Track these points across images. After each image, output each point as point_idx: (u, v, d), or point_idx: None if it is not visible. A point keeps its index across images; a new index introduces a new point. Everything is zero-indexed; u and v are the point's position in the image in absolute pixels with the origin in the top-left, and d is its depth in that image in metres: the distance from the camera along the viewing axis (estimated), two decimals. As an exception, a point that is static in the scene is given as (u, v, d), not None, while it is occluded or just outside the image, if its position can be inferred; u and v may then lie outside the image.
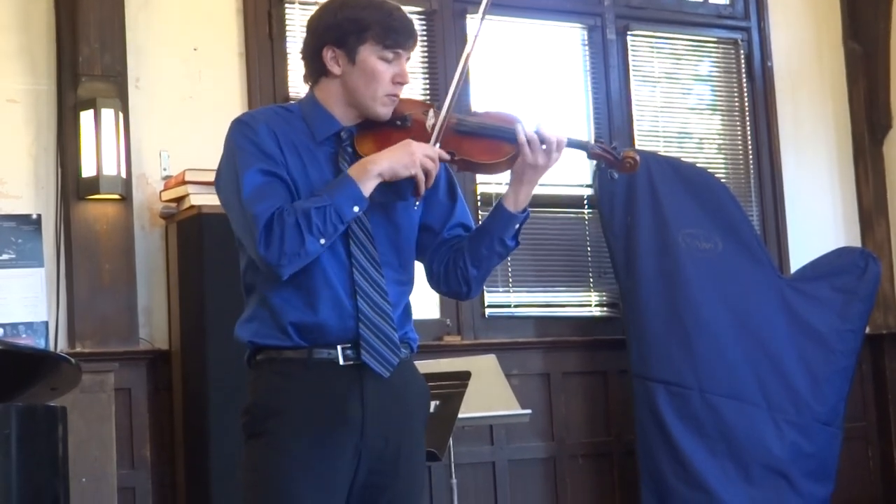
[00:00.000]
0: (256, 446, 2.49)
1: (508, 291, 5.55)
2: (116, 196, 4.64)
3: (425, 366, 3.21)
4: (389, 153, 2.48)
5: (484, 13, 2.61)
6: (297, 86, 5.05)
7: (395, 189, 2.54)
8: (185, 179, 4.54)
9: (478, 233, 2.63)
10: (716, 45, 6.20)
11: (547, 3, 5.77)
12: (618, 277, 5.46)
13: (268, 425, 2.47)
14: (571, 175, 5.68)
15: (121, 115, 4.65)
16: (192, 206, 4.51)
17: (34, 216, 4.60)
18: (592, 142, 2.64)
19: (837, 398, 5.48)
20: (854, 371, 5.61)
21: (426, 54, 5.42)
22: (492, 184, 5.40)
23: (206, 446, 4.38)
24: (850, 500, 5.91)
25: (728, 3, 6.22)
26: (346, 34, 2.52)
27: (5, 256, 4.49)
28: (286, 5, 5.15)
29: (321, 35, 2.55)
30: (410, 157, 2.47)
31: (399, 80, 2.54)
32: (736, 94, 6.17)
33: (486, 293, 5.45)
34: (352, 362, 2.48)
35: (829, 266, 5.67)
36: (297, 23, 5.11)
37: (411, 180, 2.50)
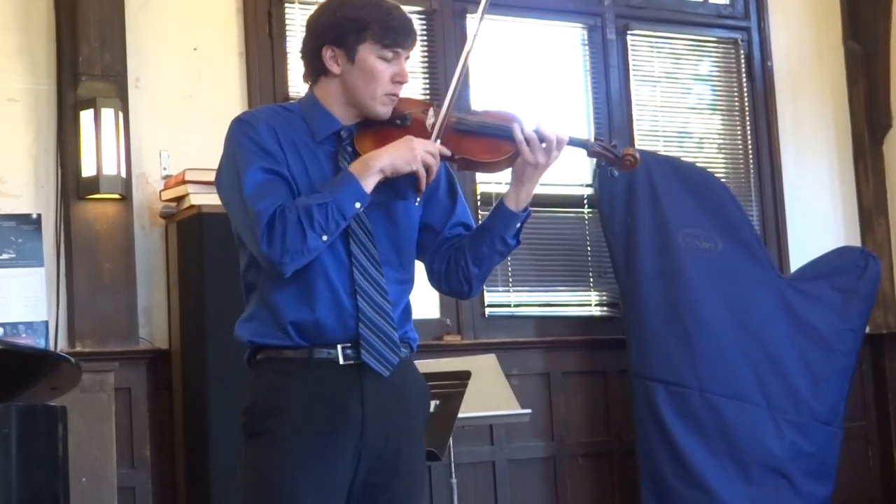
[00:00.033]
0: (256, 445, 2.49)
1: (508, 291, 5.55)
2: (116, 196, 4.64)
3: (425, 365, 3.20)
4: (390, 149, 2.48)
5: (483, 12, 2.61)
6: (298, 85, 5.04)
7: (395, 188, 2.54)
8: (185, 179, 4.54)
9: (479, 232, 2.63)
10: (716, 45, 6.20)
11: (547, 2, 5.76)
12: (618, 277, 5.46)
13: (268, 425, 2.47)
14: (571, 175, 5.68)
15: (121, 114, 4.65)
16: (192, 206, 4.51)
17: (34, 216, 4.60)
18: (592, 140, 2.65)
19: (837, 398, 5.48)
20: (854, 370, 5.61)
21: (426, 54, 5.42)
22: (492, 183, 5.40)
23: (206, 446, 4.38)
24: (850, 500, 5.91)
25: (728, 2, 6.22)
26: (346, 33, 2.52)
27: (5, 256, 4.49)
28: (286, 5, 5.15)
29: (320, 34, 2.55)
30: (411, 153, 2.47)
31: (398, 80, 2.54)
32: (736, 94, 6.17)
33: (486, 293, 5.45)
34: (352, 362, 2.48)
35: (829, 265, 5.67)
36: (297, 22, 5.11)
37: (411, 179, 2.50)
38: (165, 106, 4.90)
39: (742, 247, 5.54)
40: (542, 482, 5.45)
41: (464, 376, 4.10)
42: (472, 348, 5.16)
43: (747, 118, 6.12)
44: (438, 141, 2.53)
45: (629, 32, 5.91)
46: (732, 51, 6.19)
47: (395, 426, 2.52)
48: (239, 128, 2.52)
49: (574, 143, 2.59)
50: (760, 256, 5.58)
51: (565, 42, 5.86)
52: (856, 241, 6.21)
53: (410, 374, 2.61)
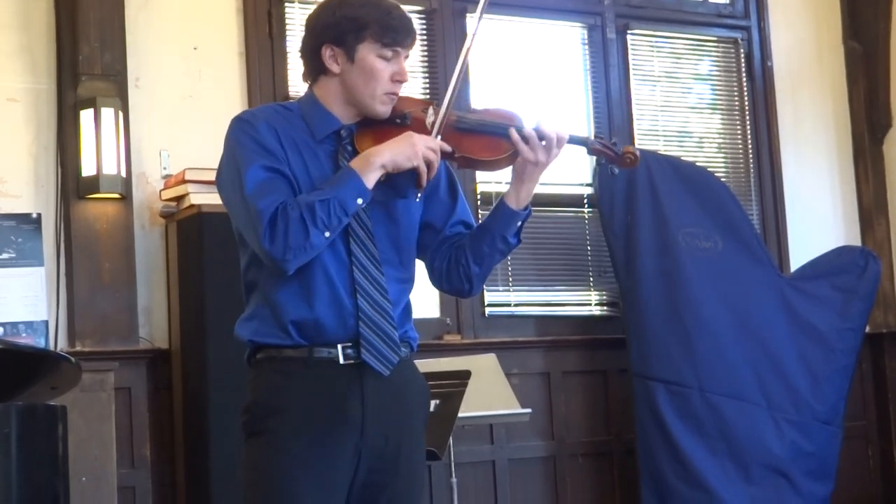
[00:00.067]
0: (256, 445, 2.49)
1: (508, 290, 5.55)
2: (116, 195, 4.64)
3: (425, 365, 3.20)
4: (391, 145, 2.48)
5: (482, 11, 2.61)
6: (298, 85, 5.04)
7: (395, 187, 2.54)
8: (185, 178, 4.54)
9: (479, 230, 2.63)
10: (716, 45, 6.20)
11: (547, 2, 5.76)
12: (618, 276, 5.46)
13: (268, 424, 2.47)
14: (571, 174, 5.69)
15: (121, 114, 4.65)
16: (192, 206, 4.51)
17: (34, 215, 4.60)
18: (592, 138, 2.65)
19: (837, 397, 5.48)
20: (854, 370, 5.61)
21: (426, 53, 5.42)
22: (492, 182, 5.40)
23: (206, 446, 4.38)
24: (850, 499, 5.91)
25: (728, 2, 6.22)
26: (345, 32, 2.52)
27: (5, 255, 4.49)
28: (286, 4, 5.14)
29: (320, 33, 2.55)
30: (412, 149, 2.47)
31: (398, 79, 2.54)
32: (736, 94, 6.17)
33: (486, 292, 5.45)
34: (352, 361, 2.48)
35: (829, 265, 5.67)
36: (297, 22, 5.11)
37: (412, 177, 2.50)
38: (165, 106, 4.90)
39: (742, 246, 5.54)
40: (542, 482, 5.45)
41: (464, 376, 4.10)
42: (472, 348, 5.15)
43: (747, 118, 6.12)
44: (439, 137, 2.53)
45: (629, 32, 5.91)
46: (732, 50, 6.18)
47: (395, 425, 2.52)
48: (239, 126, 2.51)
49: (574, 140, 2.59)
50: (760, 256, 5.58)
51: (565, 41, 5.85)
52: (856, 241, 6.21)
53: (410, 373, 2.61)
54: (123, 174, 4.65)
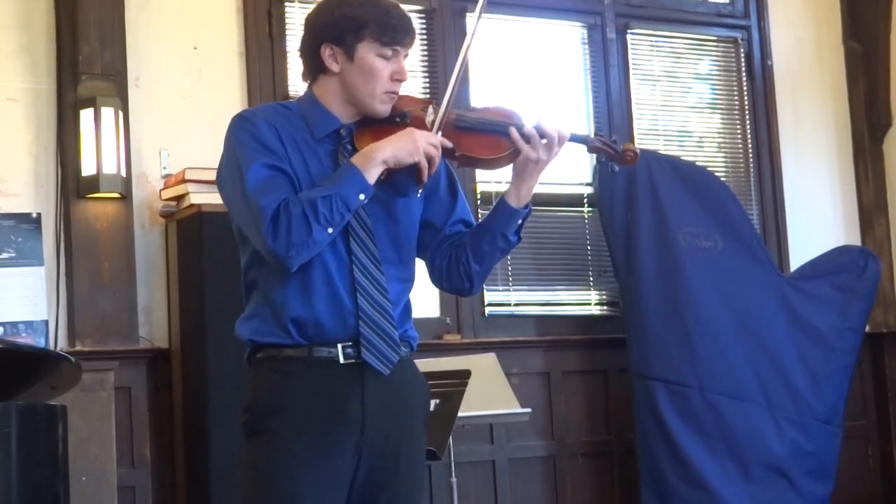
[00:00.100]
0: (256, 444, 2.49)
1: (508, 290, 5.55)
2: (116, 195, 4.64)
3: (425, 364, 3.20)
4: (392, 140, 2.48)
5: (482, 10, 2.61)
6: (297, 85, 5.04)
7: (396, 185, 2.54)
8: (184, 178, 4.54)
9: (480, 229, 2.63)
10: (716, 44, 6.20)
11: (547, 1, 5.76)
12: (618, 276, 5.46)
13: (268, 423, 2.47)
14: (571, 174, 5.69)
15: (121, 113, 4.65)
16: (192, 205, 4.51)
17: (34, 215, 4.60)
18: (592, 135, 2.65)
19: (837, 397, 5.48)
20: (854, 369, 5.61)
21: (426, 53, 5.42)
22: (491, 182, 5.40)
23: (206, 445, 4.38)
24: (850, 499, 5.90)
25: (728, 1, 6.22)
26: (344, 32, 2.52)
27: (5, 255, 4.49)
28: (286, 4, 5.14)
29: (319, 33, 2.55)
30: (414, 144, 2.47)
31: (397, 78, 2.54)
32: (736, 93, 6.17)
33: (486, 292, 5.45)
34: (352, 360, 2.48)
35: (829, 265, 5.67)
36: (296, 22, 5.10)
37: (412, 175, 2.50)
38: (165, 105, 4.90)
39: (742, 246, 5.54)
40: (542, 481, 5.44)
41: (464, 375, 4.10)
42: (472, 347, 5.15)
43: (747, 117, 6.12)
44: (440, 134, 2.53)
45: (629, 31, 5.91)
46: (732, 50, 6.18)
47: (395, 425, 2.52)
48: (240, 125, 2.51)
49: (574, 138, 2.59)
50: (760, 255, 5.58)
51: (565, 41, 5.85)
52: (856, 241, 6.21)
53: (410, 372, 2.61)
54: (123, 174, 4.65)
